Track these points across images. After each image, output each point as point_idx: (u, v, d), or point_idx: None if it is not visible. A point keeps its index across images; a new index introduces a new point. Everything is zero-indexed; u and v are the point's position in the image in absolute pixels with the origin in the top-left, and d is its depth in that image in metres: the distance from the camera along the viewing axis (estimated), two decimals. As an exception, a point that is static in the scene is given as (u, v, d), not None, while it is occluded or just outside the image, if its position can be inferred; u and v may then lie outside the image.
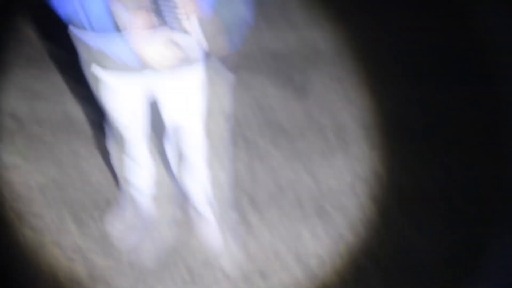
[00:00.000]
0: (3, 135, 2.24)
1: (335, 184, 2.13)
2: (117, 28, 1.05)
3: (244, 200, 1.99)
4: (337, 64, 2.78)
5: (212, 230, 1.76)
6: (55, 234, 1.87)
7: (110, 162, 1.85)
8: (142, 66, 1.09)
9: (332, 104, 2.56)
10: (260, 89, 2.58)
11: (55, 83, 2.49)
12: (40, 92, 2.47)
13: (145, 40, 1.02)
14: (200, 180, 1.57)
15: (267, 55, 2.73)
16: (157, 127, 1.50)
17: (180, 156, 1.57)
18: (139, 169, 1.56)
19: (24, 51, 2.66)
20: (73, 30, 1.14)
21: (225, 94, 1.37)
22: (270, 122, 2.42)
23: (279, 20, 2.90)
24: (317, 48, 2.91)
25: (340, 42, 2.91)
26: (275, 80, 2.64)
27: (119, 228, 1.84)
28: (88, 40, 1.13)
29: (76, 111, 2.37)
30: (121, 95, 1.33)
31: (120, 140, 1.51)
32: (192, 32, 1.02)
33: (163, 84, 1.30)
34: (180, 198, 1.80)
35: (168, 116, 1.43)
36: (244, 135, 2.31)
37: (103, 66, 1.22)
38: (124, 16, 1.02)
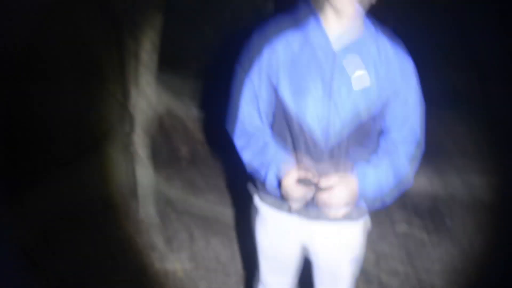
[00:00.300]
0: (163, 220, 2.48)
1: None
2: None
3: None
4: (495, 215, 2.51)
5: None
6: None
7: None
8: (281, 196, 1.15)
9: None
10: (407, 230, 2.44)
11: (215, 184, 2.75)
12: (199, 188, 2.76)
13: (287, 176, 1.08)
14: None
15: (422, 197, 2.62)
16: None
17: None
18: None
19: (192, 149, 3.06)
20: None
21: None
22: (410, 266, 2.22)
23: (443, 164, 2.81)
24: (475, 194, 2.69)
25: (502, 192, 2.65)
26: (426, 224, 2.47)
27: None
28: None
29: (226, 214, 2.54)
30: (275, 232, 1.35)
31: (261, 267, 1.50)
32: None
33: (314, 234, 1.31)
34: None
35: (316, 262, 1.41)
36: (379, 279, 2.14)
37: (259, 194, 1.32)
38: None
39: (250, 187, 1.36)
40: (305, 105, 1.10)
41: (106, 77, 2.53)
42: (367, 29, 1.12)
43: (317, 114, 1.10)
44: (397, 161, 1.14)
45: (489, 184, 2.68)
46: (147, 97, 2.34)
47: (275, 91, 1.14)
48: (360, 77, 1.08)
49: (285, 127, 1.17)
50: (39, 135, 2.48)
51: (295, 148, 1.16)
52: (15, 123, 2.35)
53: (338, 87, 1.09)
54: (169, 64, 2.80)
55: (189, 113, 2.83)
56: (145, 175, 2.46)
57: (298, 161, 1.13)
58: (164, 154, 2.72)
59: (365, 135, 1.16)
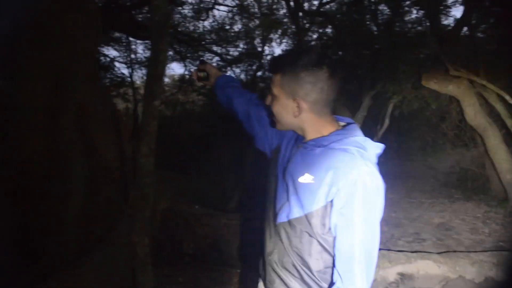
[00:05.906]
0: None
1: None
2: None
3: None
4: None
5: None
6: None
7: None
8: None
9: None
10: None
11: (221, 280, 2.76)
12: (202, 284, 2.75)
13: None
14: None
15: None
16: None
17: None
18: None
19: (195, 245, 3.04)
20: None
21: None
22: None
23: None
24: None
25: None
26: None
27: None
28: None
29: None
30: None
31: None
32: None
33: None
34: None
35: None
36: None
37: None
38: None
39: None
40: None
41: (109, 179, 2.74)
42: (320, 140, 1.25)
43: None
44: None
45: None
46: (146, 197, 2.48)
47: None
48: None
49: None
50: (50, 236, 2.66)
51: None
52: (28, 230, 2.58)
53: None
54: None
55: (192, 209, 2.93)
56: (144, 273, 2.51)
57: None
58: (167, 250, 2.79)
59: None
